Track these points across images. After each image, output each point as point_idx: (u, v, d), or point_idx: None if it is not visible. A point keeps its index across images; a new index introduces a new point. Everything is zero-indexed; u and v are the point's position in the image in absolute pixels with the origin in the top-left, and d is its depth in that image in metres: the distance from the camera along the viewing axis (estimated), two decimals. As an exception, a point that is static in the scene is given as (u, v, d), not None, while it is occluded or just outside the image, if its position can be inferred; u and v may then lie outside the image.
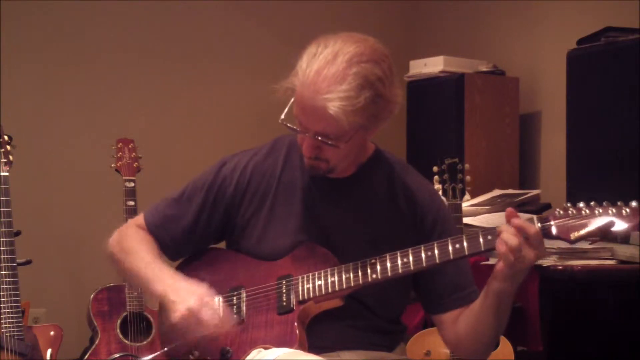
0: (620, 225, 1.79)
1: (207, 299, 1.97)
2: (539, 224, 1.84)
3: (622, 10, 3.52)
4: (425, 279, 2.07)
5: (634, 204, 1.79)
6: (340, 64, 1.89)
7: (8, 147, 3.13)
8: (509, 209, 1.91)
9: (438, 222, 2.11)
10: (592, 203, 1.82)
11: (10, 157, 3.13)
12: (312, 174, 2.05)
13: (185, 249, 2.19)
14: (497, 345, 2.14)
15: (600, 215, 1.80)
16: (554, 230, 1.83)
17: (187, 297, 1.96)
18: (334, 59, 1.90)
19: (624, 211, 1.79)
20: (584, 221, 1.81)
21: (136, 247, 2.13)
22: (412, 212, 2.11)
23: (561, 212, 1.84)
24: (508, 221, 1.87)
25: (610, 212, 1.80)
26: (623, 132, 3.16)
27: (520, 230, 1.83)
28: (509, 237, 1.83)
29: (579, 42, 3.41)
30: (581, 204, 1.83)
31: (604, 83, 3.26)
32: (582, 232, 1.82)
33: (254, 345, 1.99)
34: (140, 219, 2.21)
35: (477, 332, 2.04)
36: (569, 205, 1.84)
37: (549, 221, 1.84)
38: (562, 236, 1.83)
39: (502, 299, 1.96)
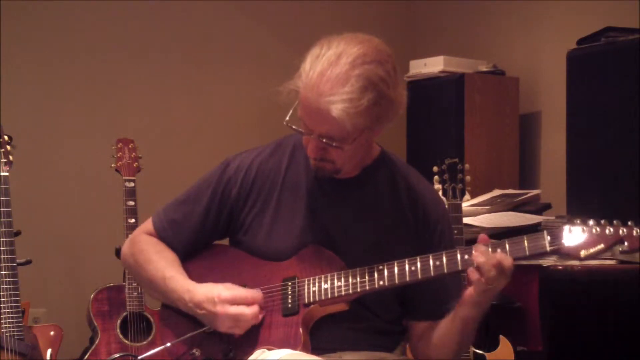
0: (630, 245, 1.80)
1: (228, 292, 2.01)
2: (549, 238, 1.84)
3: (622, 10, 3.52)
4: (413, 285, 2.06)
5: None
6: (343, 66, 1.89)
7: (8, 147, 3.13)
8: (482, 236, 1.94)
9: (439, 227, 2.12)
10: (603, 221, 1.83)
11: (10, 157, 3.13)
12: (318, 175, 2.05)
13: (194, 249, 2.19)
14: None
15: (610, 234, 1.81)
16: (564, 249, 1.84)
17: (214, 297, 2.00)
18: (337, 60, 1.90)
19: (634, 231, 1.80)
20: (594, 239, 1.82)
21: (152, 258, 2.14)
22: (415, 215, 2.11)
23: (572, 229, 1.84)
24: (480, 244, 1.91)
25: (621, 232, 1.81)
26: (623, 132, 3.16)
27: (499, 264, 1.86)
28: (489, 269, 1.87)
29: (579, 42, 3.41)
30: (591, 222, 1.83)
31: (604, 83, 3.25)
32: (592, 250, 1.82)
33: (257, 345, 1.99)
34: (148, 225, 2.21)
35: (443, 349, 2.07)
36: (579, 222, 1.84)
37: (560, 239, 1.84)
38: (571, 254, 1.83)
39: (469, 324, 2.00)
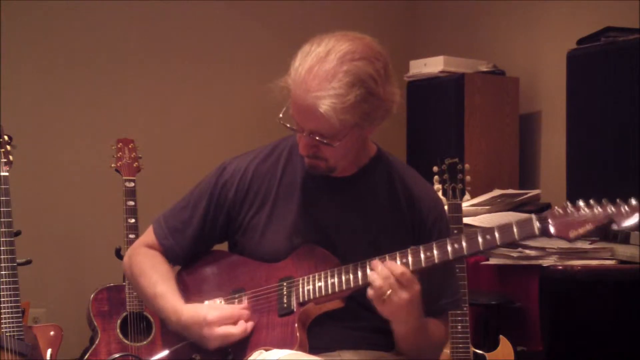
0: (619, 223, 1.78)
1: (216, 314, 2.02)
2: (538, 224, 1.83)
3: (622, 10, 3.53)
4: None
5: (633, 201, 1.78)
6: (331, 62, 1.89)
7: (8, 147, 3.13)
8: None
9: (436, 227, 2.11)
10: (591, 201, 1.81)
11: (10, 157, 3.13)
12: (313, 172, 2.05)
13: (195, 254, 2.20)
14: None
15: (599, 213, 1.80)
16: (552, 230, 1.82)
17: (200, 320, 2.01)
18: (325, 56, 1.90)
19: (623, 209, 1.78)
20: (583, 220, 1.81)
21: (145, 272, 2.15)
22: (412, 215, 2.10)
23: (560, 211, 1.83)
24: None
25: (609, 210, 1.79)
26: (623, 132, 3.16)
27: (389, 270, 1.87)
28: (373, 277, 1.88)
29: (579, 42, 3.41)
30: (580, 203, 1.82)
31: (604, 83, 3.26)
32: (581, 230, 1.81)
33: (255, 347, 1.99)
34: (150, 235, 2.21)
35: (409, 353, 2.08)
36: (568, 204, 1.83)
37: (548, 220, 1.83)
38: (561, 235, 1.82)
39: (404, 338, 2.00)
